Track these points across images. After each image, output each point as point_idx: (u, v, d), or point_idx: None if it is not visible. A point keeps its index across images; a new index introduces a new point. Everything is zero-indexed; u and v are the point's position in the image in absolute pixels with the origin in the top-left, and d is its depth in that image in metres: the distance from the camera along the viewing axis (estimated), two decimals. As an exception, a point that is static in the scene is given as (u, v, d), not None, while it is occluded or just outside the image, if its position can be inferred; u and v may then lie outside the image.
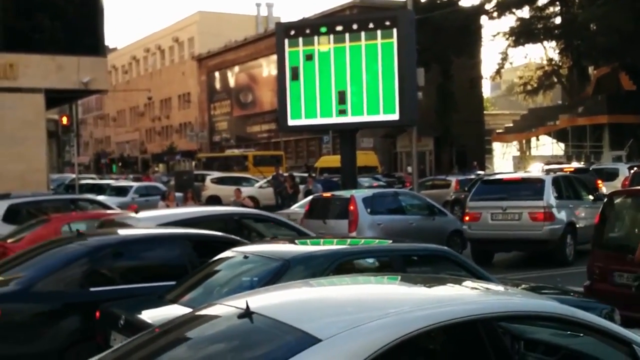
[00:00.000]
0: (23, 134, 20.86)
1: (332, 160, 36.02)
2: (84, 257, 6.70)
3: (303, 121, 20.31)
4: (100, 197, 18.99)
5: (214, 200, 29.20)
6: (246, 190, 30.59)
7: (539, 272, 13.07)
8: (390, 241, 7.55)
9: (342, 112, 19.46)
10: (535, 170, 30.60)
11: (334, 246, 6.73)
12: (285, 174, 27.89)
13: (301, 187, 25.14)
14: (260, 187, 30.68)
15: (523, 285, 6.42)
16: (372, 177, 34.05)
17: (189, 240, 7.30)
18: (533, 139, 51.28)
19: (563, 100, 57.97)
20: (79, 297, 6.48)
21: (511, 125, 54.60)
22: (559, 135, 47.99)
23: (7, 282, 6.59)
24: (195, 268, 6.55)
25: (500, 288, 4.65)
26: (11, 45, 21.09)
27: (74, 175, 26.19)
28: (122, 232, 8.09)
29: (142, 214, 10.31)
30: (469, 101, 50.53)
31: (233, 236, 7.81)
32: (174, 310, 5.34)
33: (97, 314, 6.20)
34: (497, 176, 19.38)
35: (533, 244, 14.55)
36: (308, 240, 7.37)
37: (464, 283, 4.62)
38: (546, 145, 51.06)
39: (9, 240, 11.56)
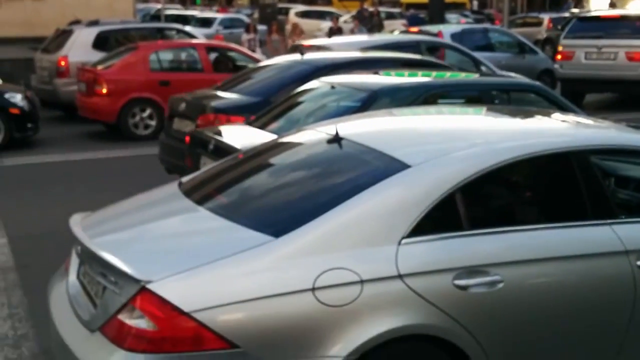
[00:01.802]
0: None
1: (419, -5, 34.86)
2: (310, 75, 7.16)
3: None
4: (186, 28, 19.02)
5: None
6: (329, 24, 30.27)
7: (633, 115, 12.63)
8: (478, 75, 7.36)
9: None
10: (635, 8, 28.82)
11: (421, 78, 6.60)
12: (371, 9, 27.16)
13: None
14: (345, 21, 30.12)
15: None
16: (461, 13, 33.01)
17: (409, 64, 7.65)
18: (636, -25, 47.91)
19: None
20: None
21: (613, -41, 50.92)
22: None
23: (245, 94, 7.36)
24: None
25: (593, 122, 4.49)
26: None
27: (159, 6, 26.11)
28: (341, 54, 8.44)
29: (337, 40, 12.12)
30: None
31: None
32: (262, 136, 5.43)
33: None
34: (594, 13, 18.39)
35: (628, 85, 14.04)
36: (393, 72, 7.22)
37: (555, 116, 4.49)
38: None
39: (99, 67, 11.85)
